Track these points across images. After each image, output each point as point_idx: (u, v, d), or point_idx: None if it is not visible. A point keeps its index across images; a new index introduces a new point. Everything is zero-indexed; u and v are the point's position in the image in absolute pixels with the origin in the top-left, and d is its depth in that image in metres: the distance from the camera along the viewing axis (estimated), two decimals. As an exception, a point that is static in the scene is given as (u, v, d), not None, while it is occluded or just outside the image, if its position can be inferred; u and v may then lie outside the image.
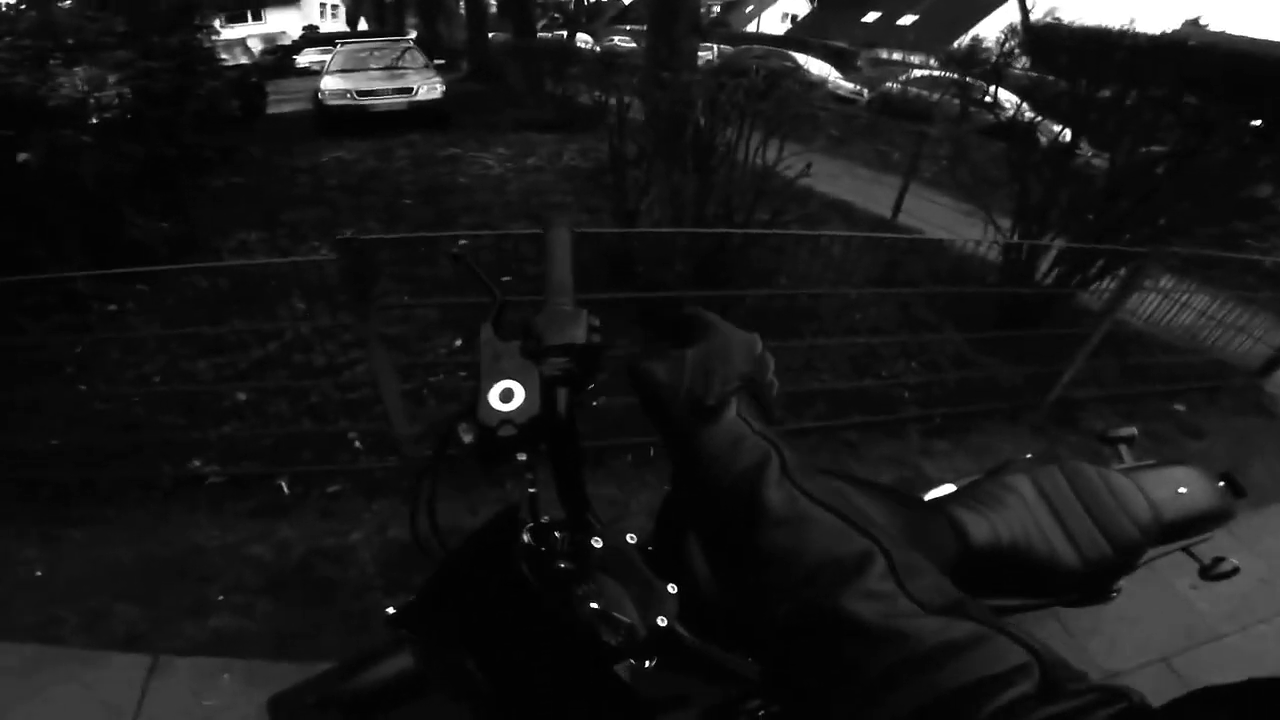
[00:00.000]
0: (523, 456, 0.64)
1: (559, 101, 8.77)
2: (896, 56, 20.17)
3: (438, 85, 8.86)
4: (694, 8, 5.37)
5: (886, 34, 31.31)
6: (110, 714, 1.52)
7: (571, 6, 18.66)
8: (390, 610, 0.92)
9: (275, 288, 2.75)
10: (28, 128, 3.05)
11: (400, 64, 9.47)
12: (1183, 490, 1.42)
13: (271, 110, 10.08)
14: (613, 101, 4.07)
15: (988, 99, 4.14)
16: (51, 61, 3.45)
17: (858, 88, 15.69)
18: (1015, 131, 3.82)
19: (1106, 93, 3.45)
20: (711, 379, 0.47)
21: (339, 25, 38.09)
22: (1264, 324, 3.58)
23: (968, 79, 4.68)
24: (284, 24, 35.86)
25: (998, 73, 4.14)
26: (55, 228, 3.18)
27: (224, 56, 7.55)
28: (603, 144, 3.73)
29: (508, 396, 0.64)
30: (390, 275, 3.55)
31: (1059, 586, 1.25)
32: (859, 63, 22.35)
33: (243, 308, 2.91)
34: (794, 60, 16.75)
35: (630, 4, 36.48)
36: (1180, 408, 3.30)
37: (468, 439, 0.64)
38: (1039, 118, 3.80)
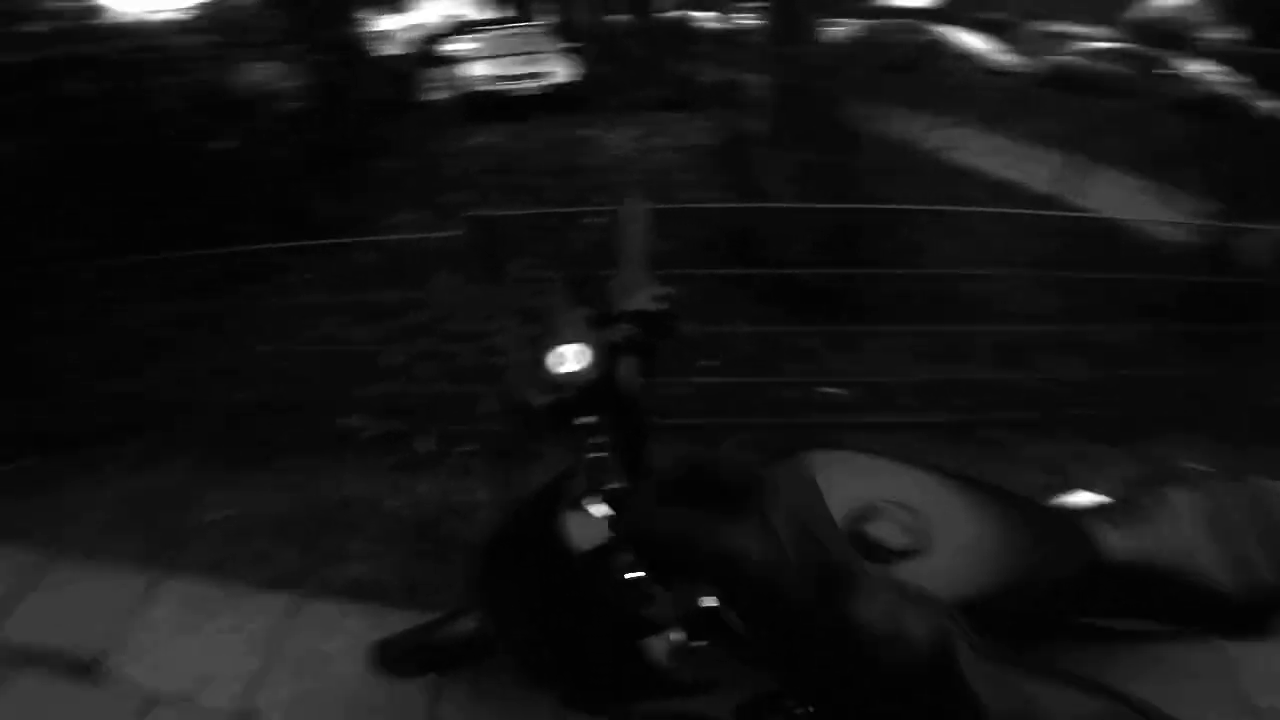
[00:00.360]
0: (585, 421, 0.61)
1: (682, 80, 8.73)
2: (1061, 28, 18.18)
3: (572, 69, 9.16)
4: None
5: (1050, 4, 28.50)
6: (251, 647, 1.73)
7: None
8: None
9: (426, 261, 2.95)
10: (221, 118, 3.48)
11: (537, 49, 9.81)
12: None
13: (423, 98, 10.84)
14: (733, 78, 3.98)
15: (1174, 70, 3.59)
16: (239, 56, 3.91)
17: (1018, 60, 14.48)
18: (1219, 104, 3.28)
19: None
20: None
21: (479, 14, 40.08)
22: None
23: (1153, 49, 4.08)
24: (430, 13, 38.47)
25: (1192, 41, 3.58)
26: (245, 207, 3.61)
27: (379, 48, 8.25)
28: (728, 122, 3.65)
29: (566, 360, 0.62)
30: (527, 251, 3.70)
31: (1209, 616, 1.05)
32: (1019, 34, 20.48)
33: (397, 279, 3.14)
34: (939, 33, 15.52)
35: (758, -22, 35.39)
36: None
37: (538, 402, 0.63)
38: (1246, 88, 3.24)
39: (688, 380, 2.29)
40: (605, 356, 0.64)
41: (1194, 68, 3.51)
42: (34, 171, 2.83)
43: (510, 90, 8.80)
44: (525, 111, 8.39)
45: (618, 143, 6.71)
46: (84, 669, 1.68)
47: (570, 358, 0.63)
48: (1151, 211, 3.32)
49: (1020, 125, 7.50)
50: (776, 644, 0.38)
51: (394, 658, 1.45)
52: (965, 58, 14.26)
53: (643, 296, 0.71)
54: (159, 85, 3.17)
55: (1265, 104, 3.22)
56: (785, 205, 2.93)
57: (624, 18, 15.06)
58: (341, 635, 1.74)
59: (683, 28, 10.77)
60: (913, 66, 11.81)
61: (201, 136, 3.33)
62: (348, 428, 2.44)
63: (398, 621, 1.67)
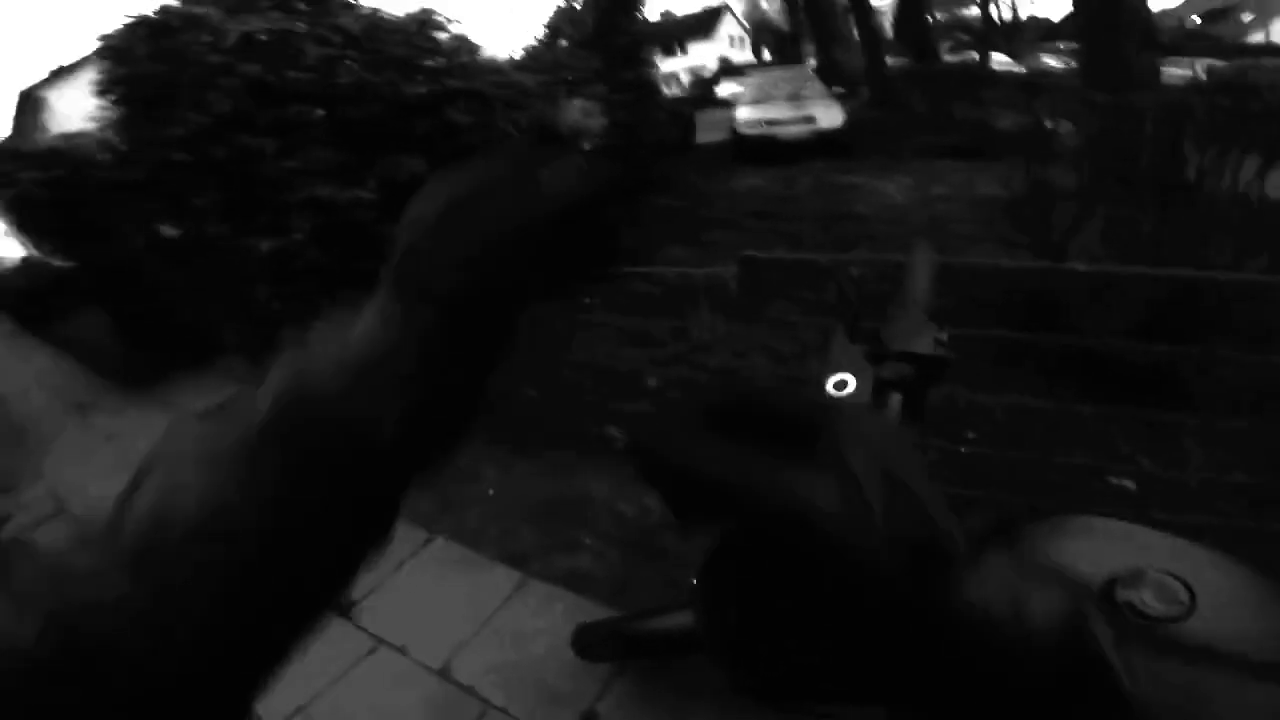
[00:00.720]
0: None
1: (970, 127, 8.12)
2: None
3: (838, 113, 9.01)
4: (1141, 16, 4.83)
5: None
6: (475, 610, 2.00)
7: (982, 24, 16.96)
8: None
9: (692, 295, 3.19)
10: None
11: (802, 93, 9.84)
12: None
13: (699, 139, 11.26)
14: (1037, 125, 3.59)
15: None
16: (560, 94, 4.58)
17: None
18: None
19: None
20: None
21: (746, 56, 41.46)
22: None
23: None
24: (703, 57, 40.95)
25: None
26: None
27: (664, 89, 8.99)
28: (1022, 172, 3.30)
29: (840, 387, 0.64)
30: (783, 295, 3.78)
31: None
32: None
33: (665, 309, 3.41)
34: None
35: (1063, 20, 31.51)
36: None
37: None
38: None
39: (956, 448, 2.12)
40: (874, 389, 0.66)
41: None
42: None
43: (777, 134, 8.91)
44: (792, 155, 8.44)
45: (889, 191, 6.46)
46: (343, 606, 1.97)
47: (845, 385, 0.67)
48: None
49: None
50: (852, 631, 0.27)
51: (591, 641, 1.66)
52: None
53: (921, 340, 0.72)
54: (509, 118, 3.83)
55: None
56: (1095, 269, 2.55)
57: (900, 60, 14.51)
58: (547, 617, 1.94)
59: (971, 71, 10.02)
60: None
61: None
62: (606, 435, 2.72)
63: (598, 615, 1.86)
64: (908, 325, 0.73)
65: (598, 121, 4.45)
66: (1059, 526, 0.30)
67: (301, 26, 3.09)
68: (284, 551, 0.30)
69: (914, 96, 10.32)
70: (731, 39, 44.58)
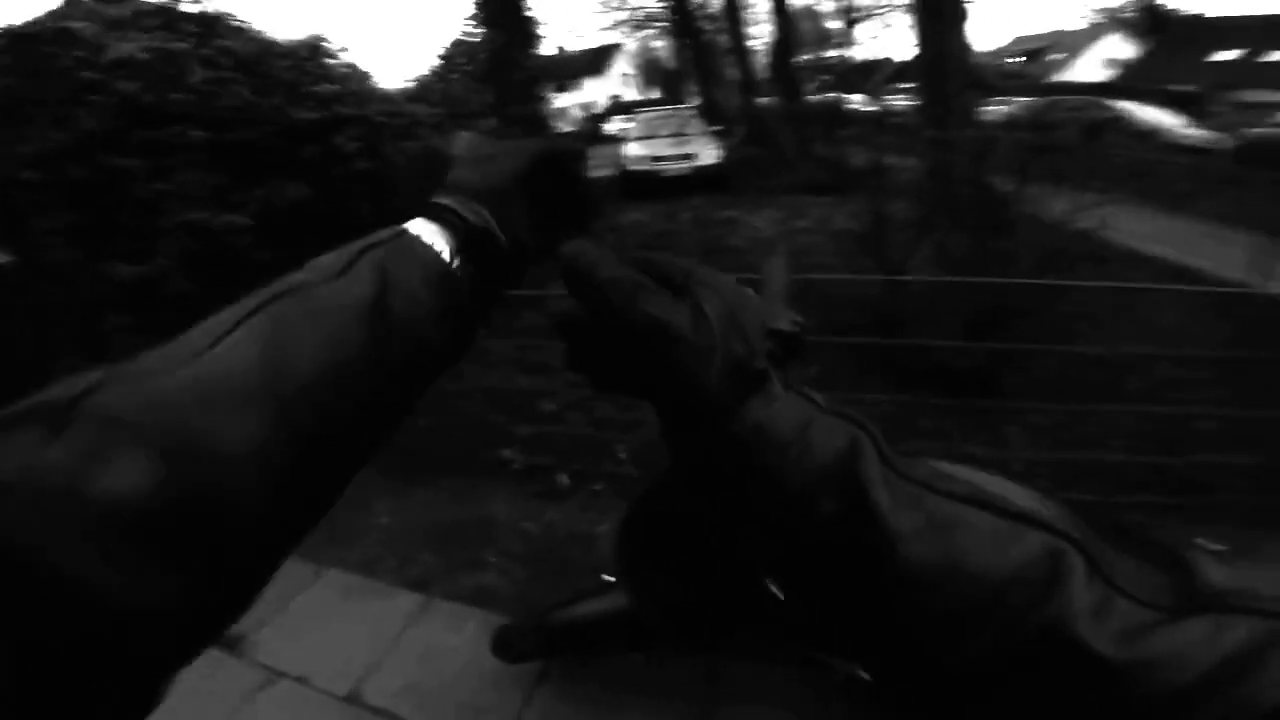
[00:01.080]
0: None
1: (830, 164, 8.84)
2: (1262, 97, 15.98)
3: (716, 151, 9.51)
4: (965, 61, 5.29)
5: (1248, 73, 25.42)
6: (380, 634, 1.98)
7: (841, 68, 18.74)
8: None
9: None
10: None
11: (685, 131, 10.28)
12: None
13: (589, 174, 11.78)
14: (880, 162, 4.09)
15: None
16: (451, 126, 4.64)
17: (1211, 135, 13.23)
18: None
19: None
20: (749, 334, 0.34)
21: (635, 94, 42.07)
22: None
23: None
24: (594, 93, 41.73)
25: None
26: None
27: (556, 124, 9.20)
28: (869, 205, 3.75)
29: None
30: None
31: None
32: (1212, 108, 18.49)
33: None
34: (1117, 109, 14.51)
35: (908, 62, 35.32)
36: None
37: None
38: None
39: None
40: None
41: None
42: (322, 208, 3.27)
43: (661, 170, 9.22)
44: (675, 191, 8.78)
45: (759, 224, 6.90)
46: (229, 641, 1.87)
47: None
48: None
49: (1209, 205, 6.85)
50: (687, 445, 0.34)
51: (512, 640, 1.66)
52: (1149, 134, 13.20)
53: (780, 321, 0.94)
54: (398, 147, 3.81)
55: None
56: (923, 279, 2.99)
57: (771, 100, 15.53)
58: (459, 634, 1.95)
59: (832, 111, 10.99)
60: (1085, 144, 11.13)
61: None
62: (503, 459, 2.79)
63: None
64: (768, 310, 0.91)
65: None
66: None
67: (186, 47, 3.00)
68: (387, 404, 0.35)
69: (783, 135, 11.14)
70: (623, 76, 45.52)
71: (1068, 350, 2.89)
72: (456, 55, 6.63)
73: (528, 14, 7.48)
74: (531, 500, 2.60)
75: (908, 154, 4.84)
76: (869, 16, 18.79)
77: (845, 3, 19.04)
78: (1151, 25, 36.83)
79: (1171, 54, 30.94)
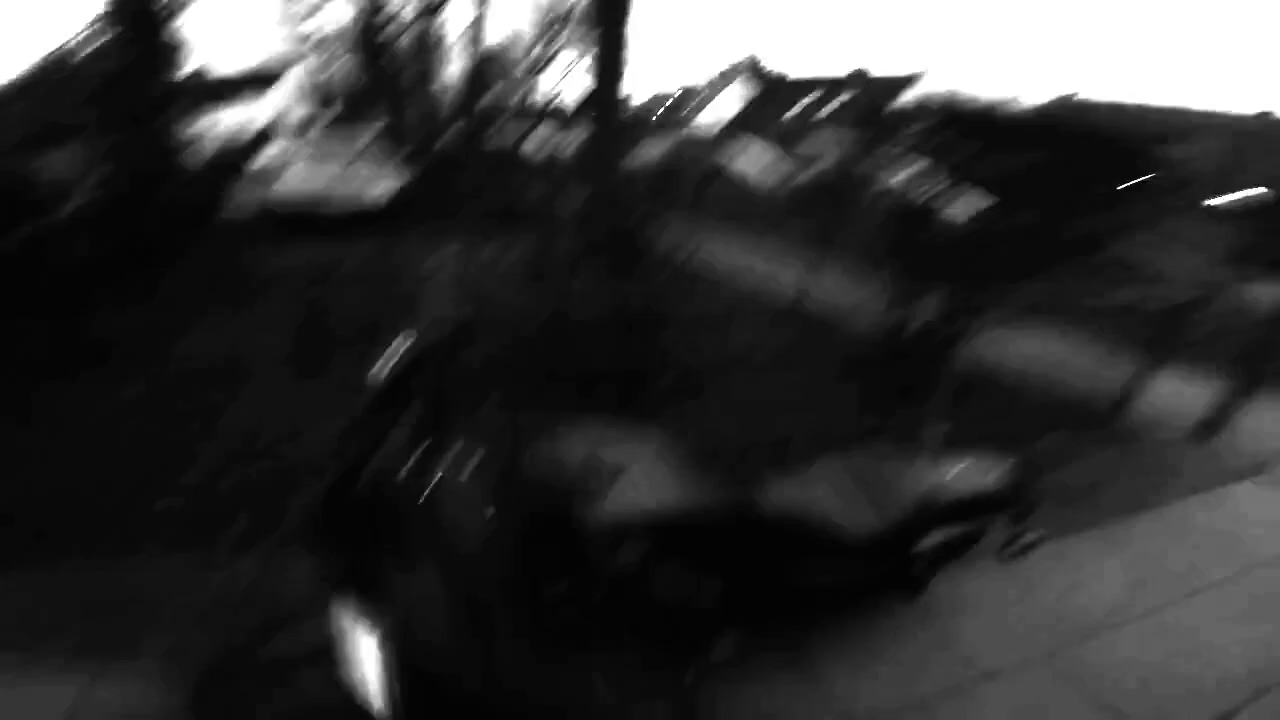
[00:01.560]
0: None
1: (510, 200, 8.93)
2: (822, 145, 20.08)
3: (395, 181, 9.18)
4: (621, 110, 5.64)
5: (814, 126, 30.04)
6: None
7: (527, 103, 19.71)
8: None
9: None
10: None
11: (361, 158, 9.71)
12: (955, 468, 1.75)
13: (234, 207, 10.25)
14: (553, 199, 4.65)
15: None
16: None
17: (789, 178, 16.19)
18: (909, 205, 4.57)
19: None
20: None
21: (307, 114, 38.16)
22: (1103, 357, 4.30)
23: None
24: (254, 112, 36.07)
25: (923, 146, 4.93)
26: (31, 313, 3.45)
27: (192, 147, 7.84)
28: (551, 243, 4.16)
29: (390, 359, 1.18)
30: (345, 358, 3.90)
31: (852, 557, 1.56)
32: (791, 154, 23.03)
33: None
34: (734, 151, 18.01)
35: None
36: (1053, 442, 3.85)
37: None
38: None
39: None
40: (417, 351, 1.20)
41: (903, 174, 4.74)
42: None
43: (330, 202, 8.55)
44: (343, 227, 8.11)
45: (439, 261, 6.66)
46: None
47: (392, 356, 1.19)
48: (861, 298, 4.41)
49: (782, 233, 8.91)
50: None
51: (213, 691, 1.57)
52: (751, 175, 16.61)
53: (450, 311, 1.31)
54: None
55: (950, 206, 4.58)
56: (582, 310, 3.59)
57: (456, 128, 15.54)
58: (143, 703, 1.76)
59: (516, 147, 11.49)
60: (706, 184, 13.72)
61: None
62: (157, 516, 2.50)
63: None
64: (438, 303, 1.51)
65: (88, 180, 3.80)
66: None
67: None
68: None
69: (467, 169, 11.33)
70: (292, 95, 41.21)
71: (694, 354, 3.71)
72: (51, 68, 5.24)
73: (168, 22, 6.18)
74: (191, 562, 2.34)
75: (570, 191, 5.40)
76: (558, 55, 19.43)
77: (540, 41, 19.60)
78: (753, 82, 45.36)
79: (764, 108, 38.34)
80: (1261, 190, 21.07)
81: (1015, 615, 2.42)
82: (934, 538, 1.69)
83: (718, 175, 15.90)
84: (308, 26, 19.31)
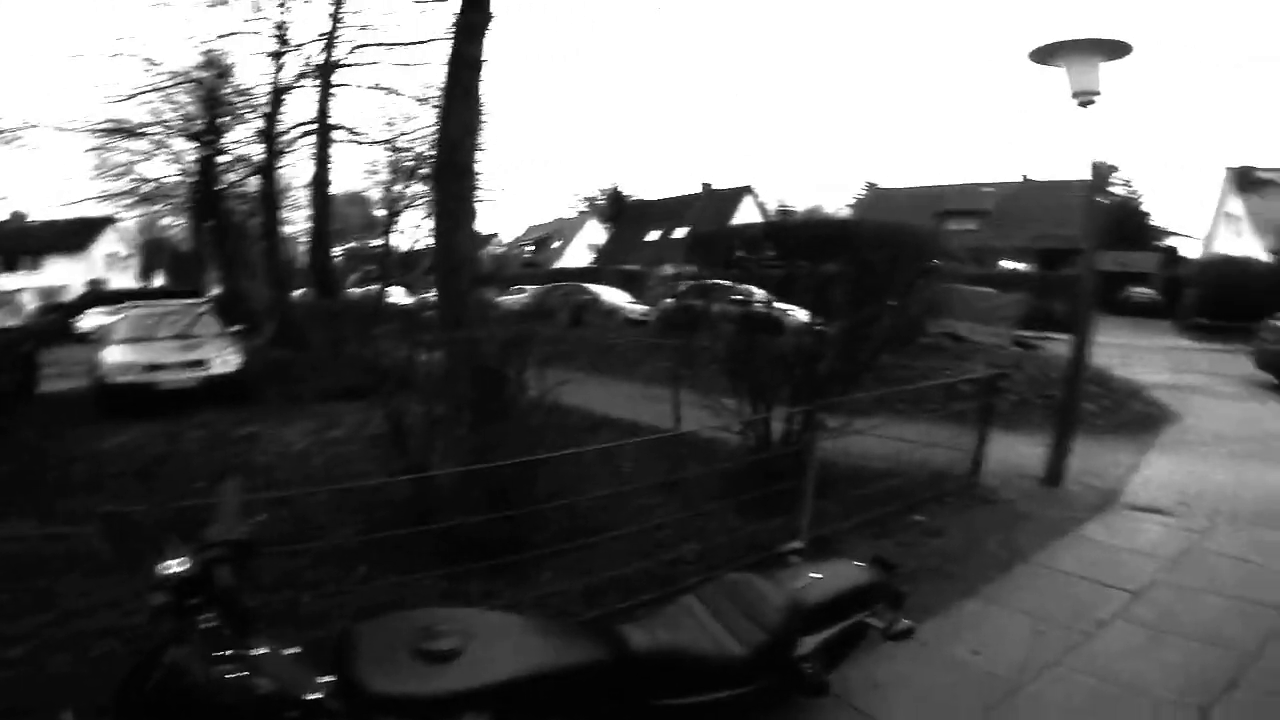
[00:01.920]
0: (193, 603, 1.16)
1: (364, 365, 8.49)
2: (674, 270, 19.71)
3: (234, 356, 8.55)
4: (469, 258, 5.61)
5: (669, 249, 31.86)
6: None
7: (384, 258, 19.18)
8: None
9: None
10: None
11: (194, 331, 9.05)
12: (816, 575, 1.86)
13: (46, 387, 9.20)
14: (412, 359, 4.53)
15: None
16: None
17: (647, 309, 17.02)
18: (753, 321, 4.95)
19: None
20: None
21: (128, 280, 34.65)
22: (949, 434, 4.74)
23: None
24: (65, 276, 32.63)
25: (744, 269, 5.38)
26: None
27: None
28: (409, 405, 4.01)
29: (170, 567, 1.20)
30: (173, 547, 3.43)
31: (736, 676, 1.58)
32: (650, 283, 22.65)
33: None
34: (592, 292, 18.67)
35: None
36: (920, 518, 4.16)
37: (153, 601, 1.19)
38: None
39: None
40: (202, 564, 1.20)
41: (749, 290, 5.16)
42: None
43: (159, 380, 7.86)
44: (179, 405, 7.55)
45: (290, 437, 6.44)
46: None
47: (173, 565, 1.21)
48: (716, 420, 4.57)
49: (649, 370, 9.26)
50: None
51: None
52: (612, 312, 17.22)
53: (234, 533, 1.30)
54: None
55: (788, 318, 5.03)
56: (442, 472, 3.43)
57: (307, 293, 14.89)
58: None
59: (370, 306, 11.27)
60: (570, 327, 14.11)
61: None
62: None
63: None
64: (224, 527, 1.31)
65: None
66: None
67: None
68: None
69: (317, 334, 10.82)
70: (110, 257, 36.83)
71: (567, 503, 3.61)
72: None
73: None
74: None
75: (429, 351, 5.30)
76: (413, 205, 18.21)
77: (391, 190, 18.56)
78: (614, 211, 47.43)
79: (625, 236, 40.03)
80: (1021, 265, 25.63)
81: (935, 688, 2.40)
82: (811, 641, 1.75)
83: (590, 310, 16.37)
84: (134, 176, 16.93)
